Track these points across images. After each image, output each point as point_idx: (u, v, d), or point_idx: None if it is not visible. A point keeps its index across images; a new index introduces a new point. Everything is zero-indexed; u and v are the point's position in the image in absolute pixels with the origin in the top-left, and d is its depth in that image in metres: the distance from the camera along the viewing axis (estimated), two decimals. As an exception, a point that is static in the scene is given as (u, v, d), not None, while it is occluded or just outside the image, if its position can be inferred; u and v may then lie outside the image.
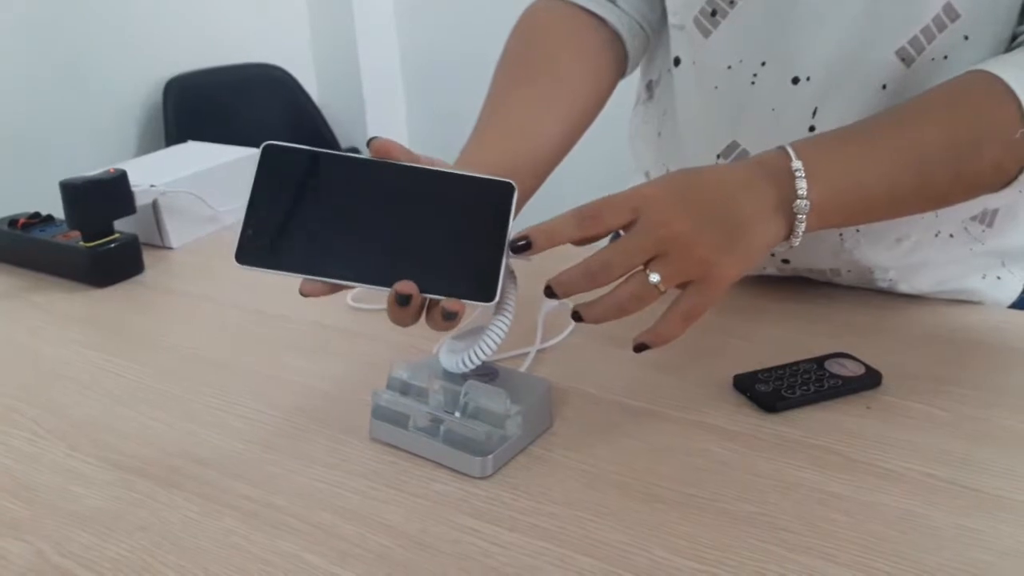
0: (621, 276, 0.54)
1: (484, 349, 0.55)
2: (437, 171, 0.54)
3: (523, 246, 0.53)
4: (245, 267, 0.53)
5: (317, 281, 0.53)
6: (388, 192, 0.54)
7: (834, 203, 0.57)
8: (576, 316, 0.56)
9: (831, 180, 0.56)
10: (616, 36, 0.77)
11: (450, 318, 0.52)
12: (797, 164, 0.55)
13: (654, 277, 0.53)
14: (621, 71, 0.80)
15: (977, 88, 0.60)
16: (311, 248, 0.53)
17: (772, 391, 0.61)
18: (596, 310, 0.55)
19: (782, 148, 0.57)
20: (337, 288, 0.54)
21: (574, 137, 0.73)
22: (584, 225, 0.53)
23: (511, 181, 0.54)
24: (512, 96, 0.72)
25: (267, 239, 0.53)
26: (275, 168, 0.54)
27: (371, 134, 2.97)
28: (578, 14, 0.76)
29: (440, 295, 0.52)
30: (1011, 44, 0.65)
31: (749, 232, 0.54)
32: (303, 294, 0.53)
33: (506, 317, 0.55)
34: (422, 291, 0.52)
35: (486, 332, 0.55)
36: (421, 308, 0.53)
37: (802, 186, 0.55)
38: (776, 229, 0.56)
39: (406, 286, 0.52)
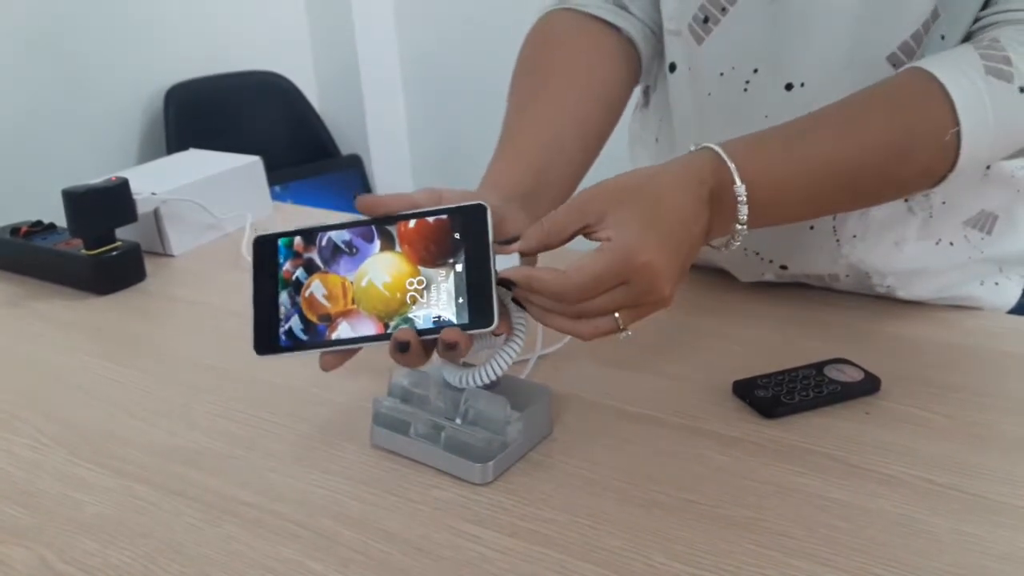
0: None
1: (494, 370, 0.56)
2: (410, 214, 0.56)
3: (508, 288, 0.54)
4: (265, 357, 0.55)
5: (331, 352, 0.55)
6: (369, 246, 0.56)
7: (763, 219, 0.58)
8: (518, 304, 0.55)
9: (767, 201, 0.57)
10: (630, 43, 0.77)
11: (451, 348, 0.53)
12: (741, 189, 0.56)
13: (627, 334, 0.54)
14: (636, 77, 0.79)
15: (912, 90, 0.60)
16: (316, 322, 0.55)
17: (771, 397, 0.61)
18: (553, 323, 0.55)
19: (724, 163, 0.56)
20: (354, 352, 0.56)
21: (599, 145, 0.73)
22: (568, 296, 0.52)
23: (482, 202, 0.55)
24: (533, 109, 0.71)
25: (277, 325, 0.56)
26: (267, 256, 0.57)
27: (372, 141, 2.93)
28: (592, 22, 0.76)
29: (436, 332, 0.53)
30: (971, 26, 0.65)
31: (692, 258, 0.56)
32: (324, 369, 0.56)
33: (518, 340, 0.56)
34: (422, 333, 0.53)
35: (498, 353, 0.56)
36: (425, 348, 0.54)
37: (743, 212, 0.56)
38: (702, 246, 0.57)
39: (403, 334, 0.53)
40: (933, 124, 0.59)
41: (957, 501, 0.52)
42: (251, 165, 1.07)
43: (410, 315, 0.54)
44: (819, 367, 0.65)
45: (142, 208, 0.94)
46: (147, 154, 2.40)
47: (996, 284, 0.77)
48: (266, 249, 0.57)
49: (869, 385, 0.63)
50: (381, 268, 0.55)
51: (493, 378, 0.56)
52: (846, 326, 0.74)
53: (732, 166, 0.56)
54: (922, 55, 0.65)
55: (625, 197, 0.54)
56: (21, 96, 2.10)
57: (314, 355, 0.55)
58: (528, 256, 0.55)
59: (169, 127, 2.39)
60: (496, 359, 0.55)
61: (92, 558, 0.51)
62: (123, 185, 0.90)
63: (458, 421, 0.57)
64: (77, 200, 0.87)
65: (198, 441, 0.62)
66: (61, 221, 0.91)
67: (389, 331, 0.54)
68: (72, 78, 2.20)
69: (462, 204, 0.55)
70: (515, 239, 0.54)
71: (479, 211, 0.54)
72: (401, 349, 0.53)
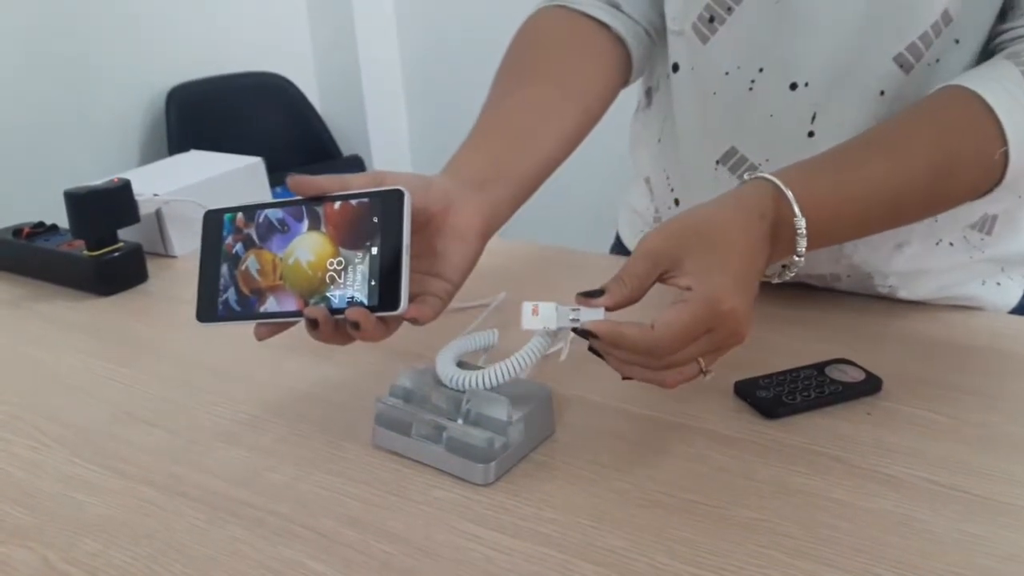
0: None
1: (490, 380, 0.56)
2: (331, 196, 0.58)
3: (587, 338, 0.54)
4: (205, 324, 0.59)
5: (264, 324, 0.58)
6: (299, 225, 0.58)
7: (815, 246, 0.58)
8: (594, 350, 0.56)
9: (821, 230, 0.58)
10: (620, 42, 0.76)
11: (355, 328, 0.54)
12: (801, 223, 0.56)
13: (710, 376, 0.55)
14: (625, 77, 0.79)
15: (959, 110, 0.61)
16: (249, 295, 0.59)
17: (773, 397, 0.61)
18: (634, 375, 0.55)
19: (783, 196, 0.56)
20: (286, 325, 0.58)
21: (572, 143, 0.72)
22: (658, 351, 0.52)
23: (400, 188, 0.55)
24: (509, 100, 0.72)
25: (216, 296, 0.59)
26: (214, 230, 0.61)
27: (373, 142, 2.93)
28: (581, 20, 0.76)
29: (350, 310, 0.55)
30: (990, 43, 0.65)
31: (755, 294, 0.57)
32: (258, 339, 0.58)
33: (527, 357, 0.56)
34: (337, 311, 0.55)
35: (500, 365, 0.56)
36: (337, 327, 0.56)
37: (802, 244, 0.57)
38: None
39: (313, 311, 0.55)
40: (980, 144, 0.60)
41: (960, 501, 0.52)
42: (252, 166, 1.07)
43: (327, 294, 0.56)
44: (821, 367, 0.65)
45: (144, 209, 0.94)
46: (149, 155, 2.41)
47: (998, 284, 0.77)
48: (214, 222, 0.61)
49: (871, 385, 0.63)
50: (306, 247, 0.58)
51: (488, 385, 0.56)
52: (848, 326, 0.74)
53: (791, 195, 0.56)
54: (934, 59, 0.65)
55: (695, 241, 0.54)
56: (23, 98, 2.11)
57: (251, 327, 0.58)
58: (612, 311, 0.54)
59: (171, 128, 2.40)
60: (495, 370, 0.56)
61: (95, 559, 0.51)
62: (125, 186, 0.90)
63: (460, 421, 0.57)
64: (79, 201, 0.87)
65: (200, 442, 0.62)
66: (63, 222, 0.91)
67: (308, 306, 0.56)
68: (74, 80, 2.20)
69: (382, 189, 0.57)
70: (600, 293, 0.54)
71: (397, 196, 0.56)
72: (312, 326, 0.55)
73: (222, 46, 2.55)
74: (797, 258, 0.57)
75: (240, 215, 0.60)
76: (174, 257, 0.99)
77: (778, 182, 0.57)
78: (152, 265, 0.94)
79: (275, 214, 0.59)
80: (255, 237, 0.59)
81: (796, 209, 0.56)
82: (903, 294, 0.77)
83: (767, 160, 0.73)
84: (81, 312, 0.86)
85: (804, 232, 0.57)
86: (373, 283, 0.55)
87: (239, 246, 0.59)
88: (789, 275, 0.60)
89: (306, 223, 0.58)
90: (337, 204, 0.58)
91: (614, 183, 1.21)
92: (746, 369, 0.65)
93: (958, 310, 0.76)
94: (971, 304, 0.77)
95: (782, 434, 0.59)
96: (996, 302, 0.78)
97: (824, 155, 0.61)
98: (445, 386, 0.59)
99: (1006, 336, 0.72)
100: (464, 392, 0.58)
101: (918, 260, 0.75)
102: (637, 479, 0.55)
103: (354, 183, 0.58)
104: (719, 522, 0.51)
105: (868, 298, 0.78)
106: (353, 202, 0.57)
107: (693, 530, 0.51)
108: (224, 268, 0.60)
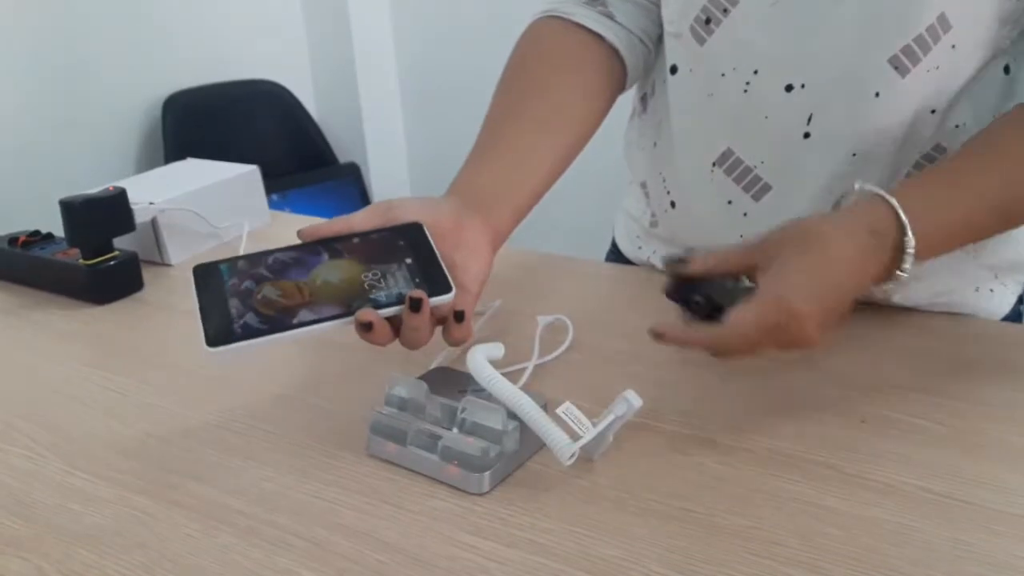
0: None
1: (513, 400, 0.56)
2: (353, 234, 0.60)
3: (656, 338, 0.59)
4: (218, 349, 0.54)
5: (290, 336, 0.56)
6: (317, 258, 0.59)
7: (922, 260, 0.60)
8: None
9: (929, 248, 0.60)
10: (614, 53, 0.78)
11: (415, 307, 0.56)
12: (911, 240, 0.58)
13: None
14: (620, 87, 0.80)
15: None
16: (274, 315, 0.56)
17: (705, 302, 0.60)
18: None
19: (898, 216, 0.58)
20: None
21: (569, 158, 0.75)
22: (722, 356, 0.59)
23: (418, 221, 0.61)
24: (507, 121, 0.74)
25: (230, 323, 0.55)
26: (209, 279, 0.58)
27: (370, 149, 2.92)
28: (577, 32, 0.77)
29: (400, 304, 0.57)
30: None
31: (847, 303, 0.59)
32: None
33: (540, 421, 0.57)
34: (387, 306, 0.57)
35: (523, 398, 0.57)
36: (388, 330, 0.57)
37: (909, 262, 0.59)
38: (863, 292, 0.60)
39: (365, 315, 0.56)
40: None
41: (953, 509, 0.52)
42: (248, 174, 1.07)
43: (371, 297, 0.57)
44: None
45: (140, 217, 0.94)
46: (145, 163, 2.40)
47: (991, 291, 0.78)
48: (208, 272, 0.59)
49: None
50: (333, 269, 0.58)
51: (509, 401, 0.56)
52: (841, 331, 0.74)
53: (906, 220, 0.58)
54: (933, 65, 0.66)
55: (791, 245, 0.58)
56: (20, 105, 2.11)
57: (278, 346, 0.56)
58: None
59: (167, 136, 2.40)
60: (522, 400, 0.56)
61: (89, 569, 0.51)
62: (121, 195, 0.90)
63: (455, 430, 0.57)
64: (74, 210, 0.87)
65: (194, 451, 0.62)
66: (59, 231, 0.91)
67: (352, 309, 0.56)
68: (70, 87, 2.20)
69: (399, 224, 0.60)
70: (684, 261, 0.60)
71: (417, 228, 0.60)
72: (365, 328, 0.56)
73: (219, 54, 2.56)
74: (901, 273, 0.59)
75: (241, 262, 0.59)
76: (170, 266, 0.99)
77: (894, 202, 0.58)
78: (148, 274, 0.94)
79: (287, 255, 0.59)
80: (267, 273, 0.58)
81: (909, 230, 0.58)
82: (897, 299, 0.77)
83: (762, 162, 0.73)
84: (76, 321, 0.86)
85: (912, 251, 0.58)
86: (418, 280, 0.58)
87: (248, 283, 0.57)
88: (891, 291, 0.61)
89: (326, 255, 0.59)
90: (356, 239, 0.59)
91: (609, 191, 1.21)
92: (739, 372, 0.66)
93: (951, 317, 0.77)
94: (964, 311, 0.77)
95: (776, 442, 0.59)
96: (989, 309, 0.78)
97: (938, 170, 0.64)
98: (441, 395, 0.59)
99: (999, 343, 0.72)
100: (460, 400, 0.58)
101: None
102: (631, 487, 0.55)
103: (356, 219, 0.61)
104: (713, 530, 0.51)
105: (862, 304, 0.78)
106: (374, 236, 0.59)
107: (687, 538, 0.51)
108: (234, 301, 0.56)
